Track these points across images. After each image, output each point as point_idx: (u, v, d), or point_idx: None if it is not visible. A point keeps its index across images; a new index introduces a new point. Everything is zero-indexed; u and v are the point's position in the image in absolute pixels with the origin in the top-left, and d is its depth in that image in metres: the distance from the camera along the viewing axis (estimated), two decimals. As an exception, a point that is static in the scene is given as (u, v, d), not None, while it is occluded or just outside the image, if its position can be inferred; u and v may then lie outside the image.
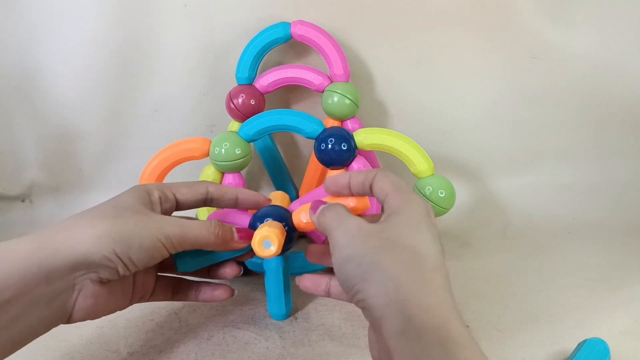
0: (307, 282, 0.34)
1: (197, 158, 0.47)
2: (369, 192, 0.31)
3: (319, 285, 0.33)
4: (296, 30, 0.51)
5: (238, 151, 0.45)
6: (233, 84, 0.53)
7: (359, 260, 0.26)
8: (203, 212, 0.48)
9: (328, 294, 0.33)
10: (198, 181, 0.35)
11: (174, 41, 0.55)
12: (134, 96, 0.57)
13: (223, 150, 0.45)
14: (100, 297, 0.29)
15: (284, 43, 0.53)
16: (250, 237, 0.33)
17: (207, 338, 0.38)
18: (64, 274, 0.27)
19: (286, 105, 0.58)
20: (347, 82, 0.52)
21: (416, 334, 0.23)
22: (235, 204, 0.35)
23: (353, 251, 0.27)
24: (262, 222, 0.34)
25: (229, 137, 0.46)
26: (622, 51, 0.57)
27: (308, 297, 0.43)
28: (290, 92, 0.57)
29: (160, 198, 0.32)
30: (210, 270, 0.35)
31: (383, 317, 0.25)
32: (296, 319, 0.40)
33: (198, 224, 0.31)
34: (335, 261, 0.28)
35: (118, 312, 0.41)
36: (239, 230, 0.33)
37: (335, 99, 0.50)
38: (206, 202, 0.35)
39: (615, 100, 0.59)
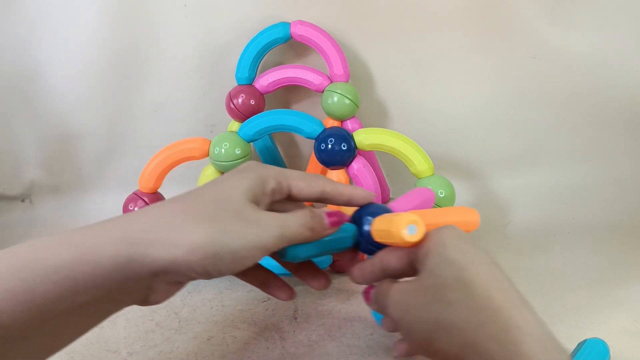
0: (404, 347, 0.32)
1: (197, 158, 0.47)
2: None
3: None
4: (296, 30, 0.51)
5: (238, 151, 0.45)
6: (233, 84, 0.53)
7: (419, 325, 0.26)
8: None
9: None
10: (315, 176, 0.32)
11: (174, 41, 0.55)
12: (134, 96, 0.57)
13: (223, 150, 0.45)
14: (172, 292, 0.28)
15: (284, 43, 0.53)
16: (342, 222, 0.31)
17: (207, 338, 0.38)
18: (143, 278, 0.25)
19: (286, 105, 0.58)
20: (347, 82, 0.52)
21: None
22: (346, 204, 0.33)
23: (409, 318, 0.26)
24: (373, 217, 0.32)
25: (229, 137, 0.46)
26: (622, 51, 0.57)
27: (308, 297, 0.43)
28: (290, 92, 0.57)
29: (273, 190, 0.29)
30: (297, 272, 0.33)
31: None
32: (296, 319, 0.40)
33: (295, 222, 0.28)
34: (403, 335, 0.28)
35: (118, 312, 0.41)
36: (329, 214, 0.30)
37: (335, 99, 0.50)
38: (319, 200, 0.32)
39: (615, 100, 0.59)
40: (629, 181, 0.61)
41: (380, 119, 0.58)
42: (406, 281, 0.28)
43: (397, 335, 0.37)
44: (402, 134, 0.45)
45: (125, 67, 0.56)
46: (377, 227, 0.31)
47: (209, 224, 0.25)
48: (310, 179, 0.31)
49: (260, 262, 0.43)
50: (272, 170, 0.29)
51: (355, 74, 0.55)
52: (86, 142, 0.59)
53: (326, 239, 0.31)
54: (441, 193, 0.44)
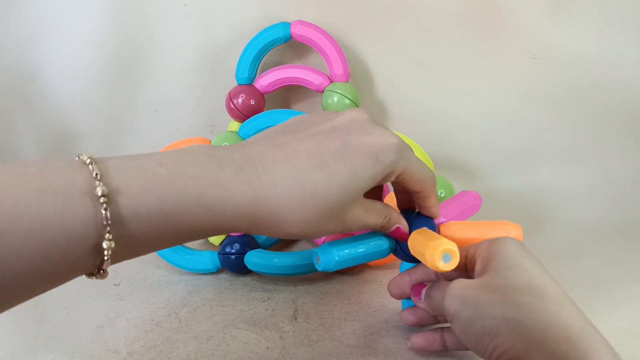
0: (420, 341, 0.34)
1: (197, 158, 0.47)
2: (434, 275, 0.33)
3: (434, 341, 0.34)
4: (296, 30, 0.51)
5: (238, 151, 0.45)
6: (233, 84, 0.53)
7: (481, 319, 0.27)
8: None
9: (445, 348, 0.33)
10: (427, 175, 0.32)
11: (174, 41, 0.55)
12: (134, 96, 0.57)
13: (223, 150, 0.45)
14: None
15: (284, 43, 0.53)
16: (400, 238, 0.33)
17: (207, 338, 0.38)
18: None
19: (286, 105, 0.58)
20: (347, 82, 0.52)
21: None
22: (419, 207, 0.34)
23: (471, 312, 0.27)
24: (415, 228, 0.33)
25: (229, 137, 0.46)
26: (622, 51, 0.57)
27: (308, 296, 0.43)
28: (290, 92, 0.58)
29: (387, 180, 0.29)
30: None
31: None
32: (296, 319, 0.40)
33: (372, 224, 0.30)
34: (458, 328, 0.28)
35: (118, 312, 0.41)
36: (397, 229, 0.32)
37: (335, 99, 0.50)
38: (410, 192, 0.32)
39: (615, 100, 0.59)
40: (629, 181, 0.61)
41: (380, 119, 0.58)
42: (467, 279, 0.30)
43: (398, 338, 0.37)
44: (402, 134, 0.45)
45: (125, 67, 0.56)
46: (414, 244, 0.32)
47: (316, 222, 0.27)
48: (420, 180, 0.31)
49: (252, 259, 0.45)
50: (404, 163, 0.29)
51: (355, 74, 0.55)
52: (86, 142, 0.59)
53: (367, 252, 0.33)
54: (441, 193, 0.44)
